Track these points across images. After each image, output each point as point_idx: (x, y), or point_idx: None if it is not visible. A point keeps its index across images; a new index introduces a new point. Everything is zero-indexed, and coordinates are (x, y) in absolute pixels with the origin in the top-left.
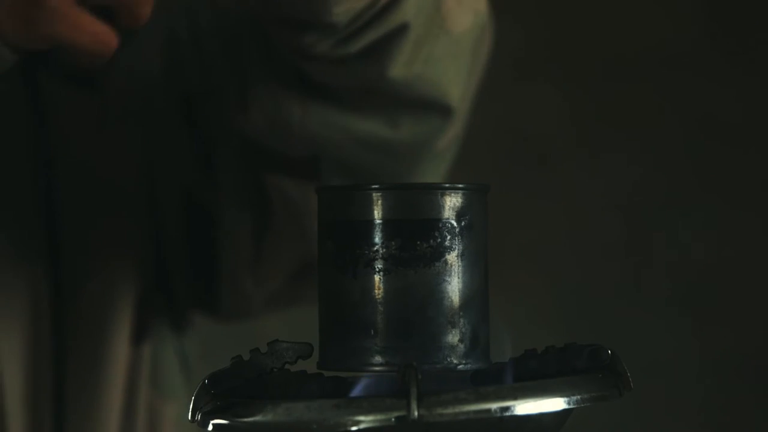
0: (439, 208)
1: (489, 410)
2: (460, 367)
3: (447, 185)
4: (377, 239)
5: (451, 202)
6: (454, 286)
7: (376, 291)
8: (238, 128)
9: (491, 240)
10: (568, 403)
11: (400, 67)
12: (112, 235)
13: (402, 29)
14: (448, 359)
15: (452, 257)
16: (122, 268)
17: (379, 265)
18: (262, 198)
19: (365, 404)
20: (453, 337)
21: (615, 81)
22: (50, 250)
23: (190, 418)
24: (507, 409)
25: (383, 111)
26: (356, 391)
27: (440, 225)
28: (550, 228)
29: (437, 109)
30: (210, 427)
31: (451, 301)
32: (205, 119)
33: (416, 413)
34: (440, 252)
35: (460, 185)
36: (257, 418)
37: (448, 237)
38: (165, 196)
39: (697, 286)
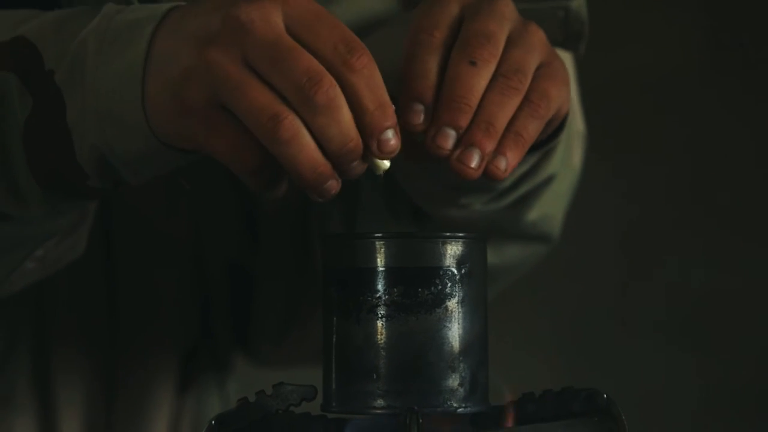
0: (440, 256)
1: None
2: (459, 410)
3: (447, 234)
4: (380, 286)
5: (452, 251)
6: (455, 332)
7: (379, 336)
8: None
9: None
10: None
11: (535, 211)
12: (163, 286)
13: (549, 179)
14: (448, 403)
15: (452, 304)
16: (170, 319)
17: (381, 311)
18: (301, 266)
19: None
20: (453, 381)
21: (615, 107)
22: (108, 300)
23: None
24: None
25: (493, 242)
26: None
27: (441, 272)
28: (547, 257)
29: (544, 239)
30: None
31: (451, 346)
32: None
33: None
34: (441, 299)
35: (460, 234)
36: None
37: (449, 284)
38: (211, 253)
39: (696, 316)
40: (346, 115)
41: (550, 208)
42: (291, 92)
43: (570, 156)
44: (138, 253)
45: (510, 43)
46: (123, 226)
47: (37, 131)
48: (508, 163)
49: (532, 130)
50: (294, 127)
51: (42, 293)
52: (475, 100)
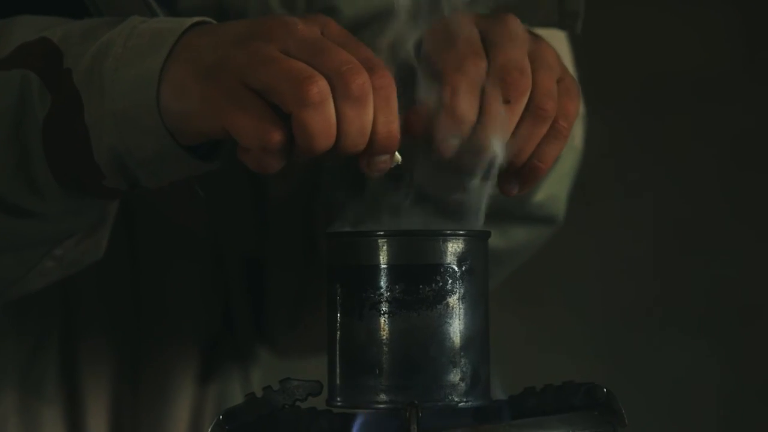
0: (441, 253)
1: None
2: (461, 404)
3: (449, 231)
4: (382, 283)
5: (453, 248)
6: (455, 328)
7: (381, 332)
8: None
9: (520, 268)
10: None
11: (541, 192)
12: (184, 279)
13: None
14: (450, 397)
15: (453, 300)
16: (192, 311)
17: (383, 307)
18: (309, 256)
19: None
20: (454, 376)
21: (648, 108)
22: (132, 293)
23: None
24: None
25: (499, 225)
26: (356, 427)
27: (442, 270)
28: (578, 257)
29: (549, 221)
30: None
31: (453, 341)
32: (265, 183)
33: None
34: (442, 295)
35: (461, 231)
36: None
37: (450, 281)
38: (228, 247)
39: (725, 314)
40: (369, 115)
41: (555, 189)
42: (329, 76)
43: (572, 136)
44: (160, 247)
45: (532, 66)
46: (145, 221)
47: (56, 130)
48: (521, 189)
49: (553, 153)
50: (324, 92)
51: (70, 286)
52: (505, 140)
